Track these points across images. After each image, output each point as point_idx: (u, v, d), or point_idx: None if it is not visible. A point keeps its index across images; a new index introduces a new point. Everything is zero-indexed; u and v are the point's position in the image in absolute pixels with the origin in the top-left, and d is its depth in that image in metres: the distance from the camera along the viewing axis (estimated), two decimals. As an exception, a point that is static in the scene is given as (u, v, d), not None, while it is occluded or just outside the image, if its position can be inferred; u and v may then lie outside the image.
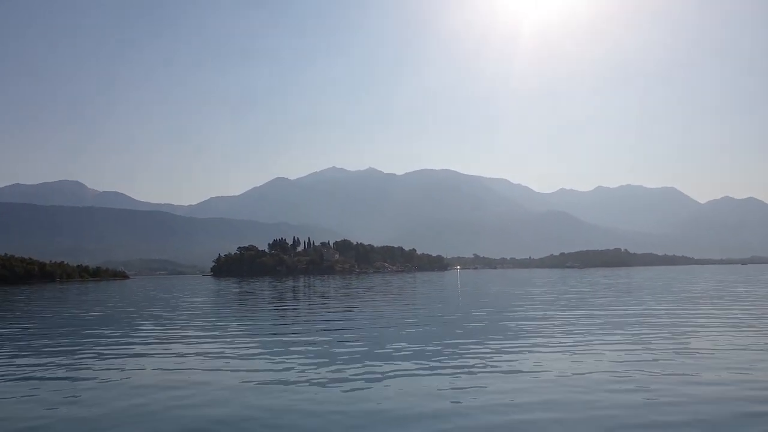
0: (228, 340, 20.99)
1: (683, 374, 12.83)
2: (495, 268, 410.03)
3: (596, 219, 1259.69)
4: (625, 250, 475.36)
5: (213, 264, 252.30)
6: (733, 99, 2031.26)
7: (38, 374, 14.54)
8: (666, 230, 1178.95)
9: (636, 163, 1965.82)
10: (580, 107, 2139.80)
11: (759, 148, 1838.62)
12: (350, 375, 13.39)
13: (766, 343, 17.36)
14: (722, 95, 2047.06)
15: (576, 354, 16.01)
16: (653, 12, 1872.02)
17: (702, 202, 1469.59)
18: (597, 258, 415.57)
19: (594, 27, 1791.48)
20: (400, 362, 15.13)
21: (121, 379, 13.66)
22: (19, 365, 16.12)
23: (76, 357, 17.50)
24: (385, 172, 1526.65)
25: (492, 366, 14.34)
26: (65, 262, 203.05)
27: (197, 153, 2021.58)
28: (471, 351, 16.85)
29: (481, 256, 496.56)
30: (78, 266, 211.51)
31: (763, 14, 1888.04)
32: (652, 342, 18.00)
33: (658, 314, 27.54)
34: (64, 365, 15.88)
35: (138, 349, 18.97)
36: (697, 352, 15.94)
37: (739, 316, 26.40)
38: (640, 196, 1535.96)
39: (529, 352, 16.64)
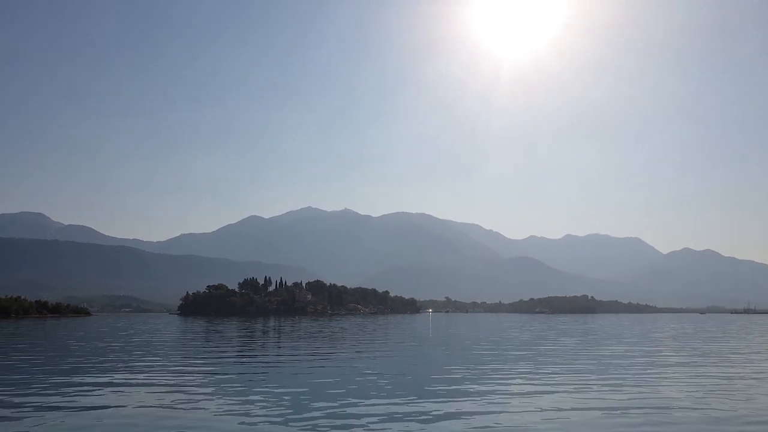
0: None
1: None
2: (466, 311, 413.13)
3: (565, 266, 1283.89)
4: (592, 297, 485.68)
5: (180, 302, 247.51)
6: (694, 155, 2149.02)
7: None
8: (630, 278, 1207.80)
9: (603, 213, 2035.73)
10: (550, 157, 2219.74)
11: (716, 203, 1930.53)
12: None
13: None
14: (684, 151, 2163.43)
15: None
16: (615, 68, 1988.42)
17: (664, 253, 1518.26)
18: (565, 304, 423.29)
19: (561, 77, 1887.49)
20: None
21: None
22: None
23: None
24: (362, 213, 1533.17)
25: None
26: (22, 297, 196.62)
27: (169, 189, 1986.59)
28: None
29: (453, 299, 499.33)
30: (36, 302, 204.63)
31: (721, 75, 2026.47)
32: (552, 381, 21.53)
33: (584, 359, 31.22)
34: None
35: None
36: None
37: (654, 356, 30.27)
38: (607, 245, 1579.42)
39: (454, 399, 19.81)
